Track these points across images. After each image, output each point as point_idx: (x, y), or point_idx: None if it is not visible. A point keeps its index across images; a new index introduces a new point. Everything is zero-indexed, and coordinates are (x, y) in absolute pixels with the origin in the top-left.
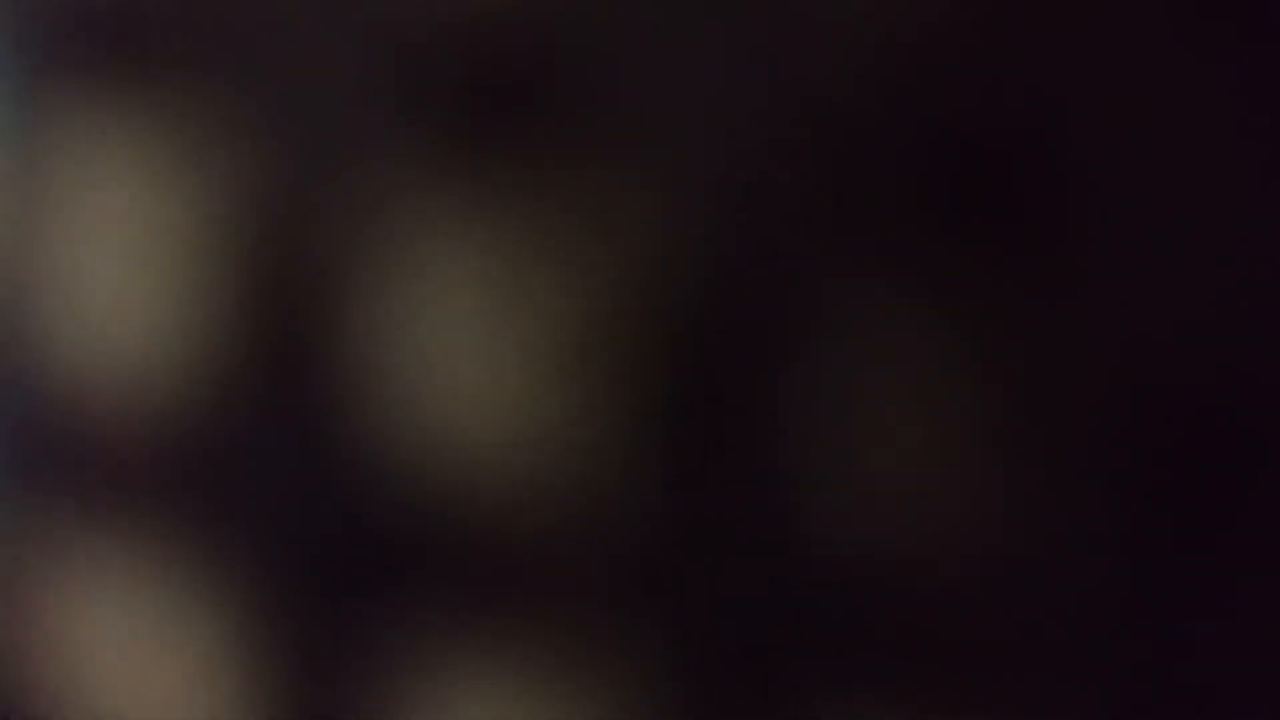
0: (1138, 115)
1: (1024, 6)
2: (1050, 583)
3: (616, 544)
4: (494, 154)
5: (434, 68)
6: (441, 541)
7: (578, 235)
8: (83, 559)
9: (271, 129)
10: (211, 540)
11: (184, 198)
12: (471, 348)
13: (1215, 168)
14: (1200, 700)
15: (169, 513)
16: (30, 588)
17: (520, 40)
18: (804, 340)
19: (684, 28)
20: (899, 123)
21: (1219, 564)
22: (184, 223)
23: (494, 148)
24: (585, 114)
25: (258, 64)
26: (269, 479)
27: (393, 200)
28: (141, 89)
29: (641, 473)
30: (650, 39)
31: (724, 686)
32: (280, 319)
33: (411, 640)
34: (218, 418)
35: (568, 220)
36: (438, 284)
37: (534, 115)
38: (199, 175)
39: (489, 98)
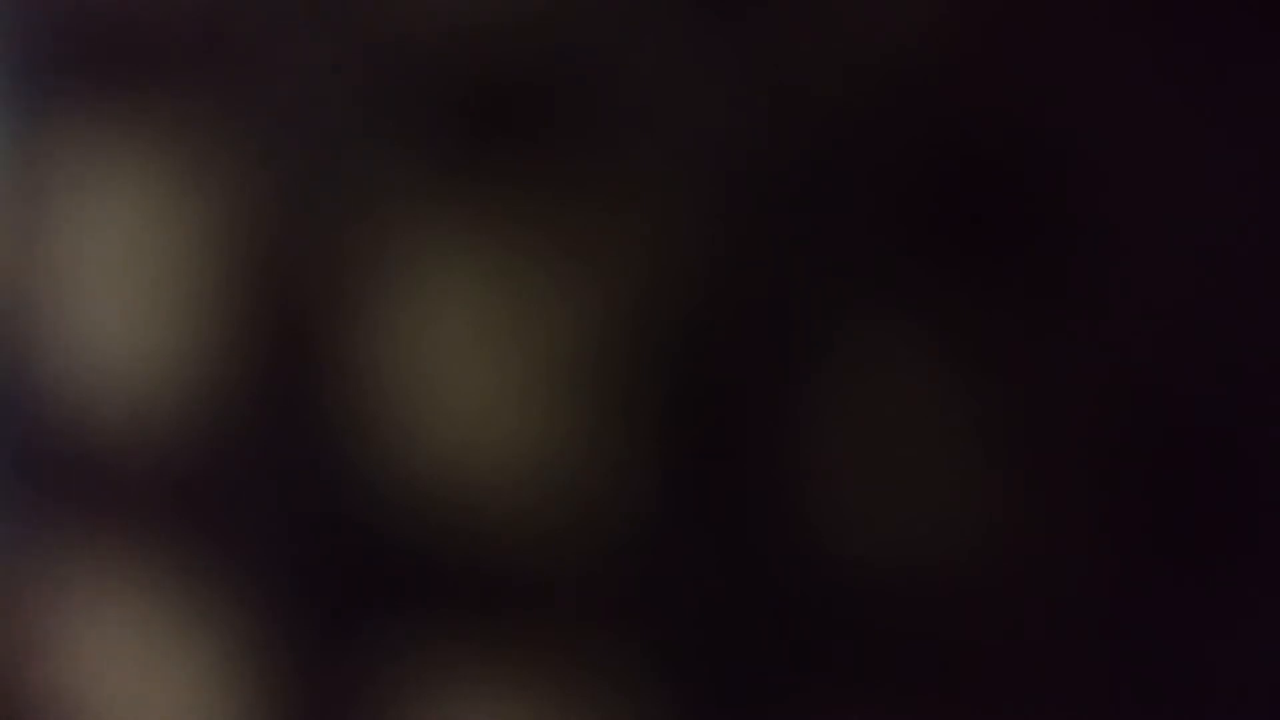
0: (1138, 131)
1: (1026, 30)
2: (1047, 593)
3: (614, 559)
4: (491, 178)
5: (431, 94)
6: (442, 557)
7: (575, 256)
8: (86, 577)
9: (272, 153)
10: (213, 557)
11: (186, 219)
12: (470, 368)
13: (1215, 187)
14: (1198, 708)
15: (171, 531)
16: (33, 605)
17: (516, 67)
18: (799, 357)
19: (681, 52)
20: (900, 142)
21: (1217, 574)
22: (186, 244)
23: (491, 172)
24: (584, 135)
25: (257, 89)
26: (269, 497)
27: (392, 224)
28: (143, 112)
29: (638, 489)
30: (648, 62)
31: (722, 697)
32: (281, 339)
33: (414, 655)
34: (219, 436)
35: (565, 241)
36: (437, 304)
37: (532, 140)
38: (200, 197)
39: (486, 123)
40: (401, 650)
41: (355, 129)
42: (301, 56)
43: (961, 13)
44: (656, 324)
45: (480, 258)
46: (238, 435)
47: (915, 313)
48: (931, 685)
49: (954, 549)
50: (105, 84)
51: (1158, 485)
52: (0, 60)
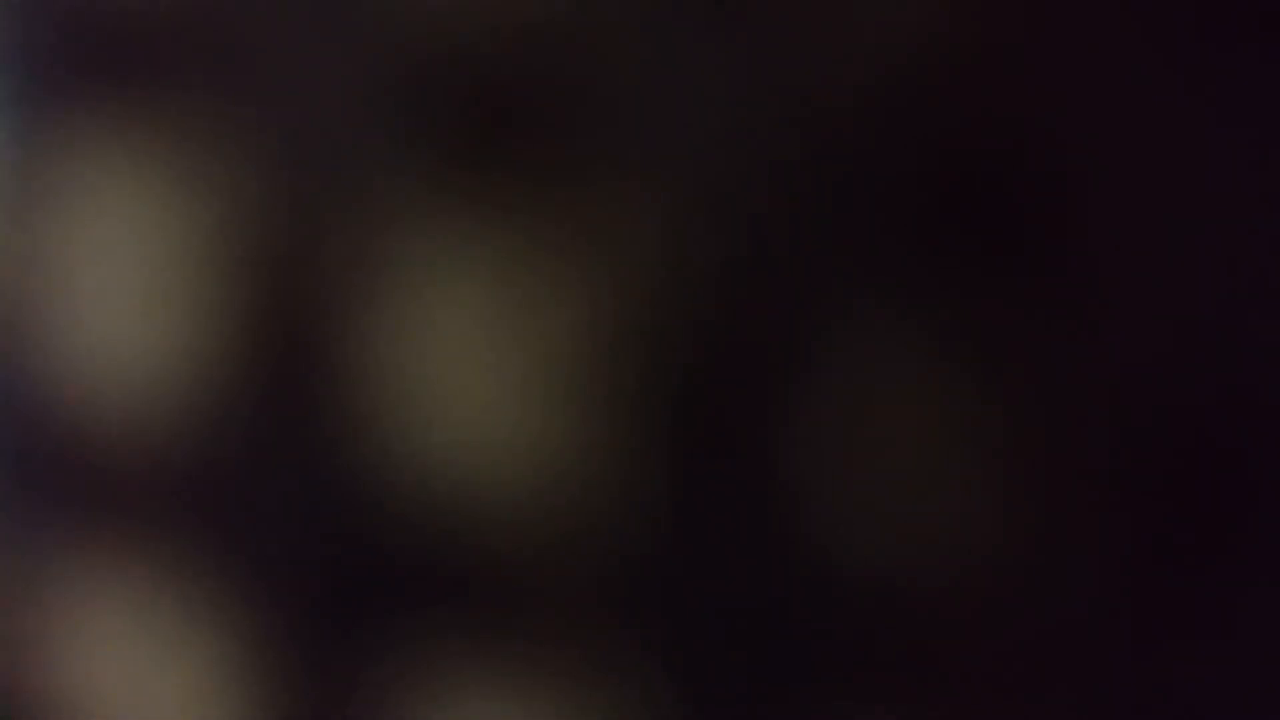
0: (1137, 133)
1: (1027, 30)
2: (1048, 594)
3: (619, 562)
4: (496, 173)
5: (436, 88)
6: (445, 560)
7: (579, 254)
8: (86, 577)
9: (275, 150)
10: (213, 557)
11: (187, 217)
12: (474, 368)
13: (1216, 187)
14: (1198, 708)
15: (172, 531)
16: (33, 607)
17: (522, 60)
18: (805, 358)
19: (685, 50)
20: (900, 142)
21: (1218, 575)
22: (187, 243)
23: (496, 167)
24: (586, 134)
25: (260, 85)
26: (271, 498)
27: (395, 220)
28: (145, 108)
29: (643, 491)
30: (651, 61)
31: (725, 697)
32: (283, 338)
33: (415, 658)
34: (221, 438)
35: (570, 239)
36: (441, 302)
37: (536, 135)
38: (202, 195)
39: (491, 117)
40: (402, 650)
41: (358, 127)
42: (303, 55)
43: (963, 13)
44: (660, 324)
45: (484, 259)
46: (238, 436)
47: (919, 313)
48: (933, 685)
49: (956, 549)
50: (106, 84)
51: (1159, 486)
52: (1, 60)
